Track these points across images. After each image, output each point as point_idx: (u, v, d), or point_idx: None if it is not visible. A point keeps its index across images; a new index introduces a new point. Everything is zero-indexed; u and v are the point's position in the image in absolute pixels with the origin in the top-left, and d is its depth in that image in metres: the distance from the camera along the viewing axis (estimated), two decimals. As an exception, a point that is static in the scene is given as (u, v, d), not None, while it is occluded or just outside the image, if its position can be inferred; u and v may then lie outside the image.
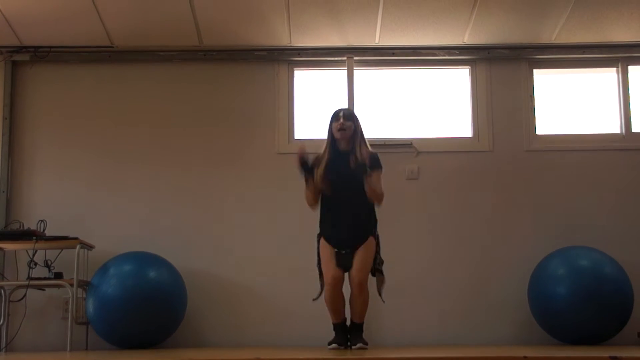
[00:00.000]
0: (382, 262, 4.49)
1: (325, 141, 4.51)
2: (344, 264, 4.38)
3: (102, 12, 5.24)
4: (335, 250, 4.38)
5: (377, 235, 4.49)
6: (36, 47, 5.59)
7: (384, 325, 5.24)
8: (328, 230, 4.44)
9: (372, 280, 4.45)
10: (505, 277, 5.38)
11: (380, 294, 4.50)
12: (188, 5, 5.20)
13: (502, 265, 5.41)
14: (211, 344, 5.31)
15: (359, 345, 4.33)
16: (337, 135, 4.43)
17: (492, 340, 5.28)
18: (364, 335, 4.45)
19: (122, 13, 5.25)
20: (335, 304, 4.40)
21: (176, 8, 5.21)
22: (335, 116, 4.48)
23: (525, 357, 3.25)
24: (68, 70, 5.67)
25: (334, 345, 4.37)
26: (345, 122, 4.41)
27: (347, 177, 4.37)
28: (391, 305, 5.26)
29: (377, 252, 4.47)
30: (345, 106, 4.48)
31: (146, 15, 5.27)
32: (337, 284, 4.36)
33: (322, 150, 4.50)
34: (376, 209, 4.48)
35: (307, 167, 4.38)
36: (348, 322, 4.51)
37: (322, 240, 4.45)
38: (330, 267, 4.37)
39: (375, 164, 4.37)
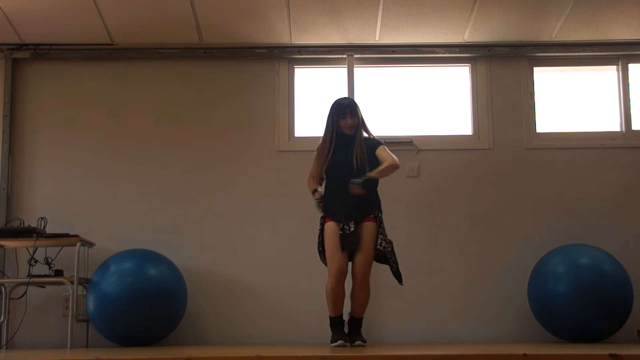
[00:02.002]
0: (390, 242, 4.52)
1: (327, 127, 4.59)
2: (348, 244, 4.38)
3: (103, 9, 5.24)
4: (340, 232, 4.38)
5: (381, 217, 4.51)
6: (36, 45, 5.59)
7: (385, 323, 5.24)
8: (333, 207, 4.46)
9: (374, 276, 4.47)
10: (505, 275, 5.39)
11: (399, 279, 4.53)
12: (188, 2, 5.20)
13: (502, 262, 5.42)
14: (211, 341, 5.31)
15: (358, 342, 4.34)
16: (346, 131, 4.54)
17: (492, 337, 5.29)
18: (362, 332, 4.46)
19: (122, 10, 5.25)
20: (337, 296, 4.41)
21: (176, 5, 5.21)
22: (342, 112, 4.54)
23: (525, 354, 3.25)
24: (68, 67, 5.67)
25: (340, 342, 4.34)
26: (352, 120, 4.53)
27: (351, 158, 4.47)
28: (391, 302, 5.28)
29: (383, 234, 4.48)
30: (346, 95, 4.63)
31: (146, 12, 5.27)
32: (342, 276, 4.38)
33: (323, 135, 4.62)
34: (378, 190, 4.55)
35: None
36: (345, 317, 4.52)
37: (328, 223, 4.45)
38: (335, 258, 4.38)
39: (375, 144, 4.55)
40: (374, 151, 4.53)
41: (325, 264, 4.52)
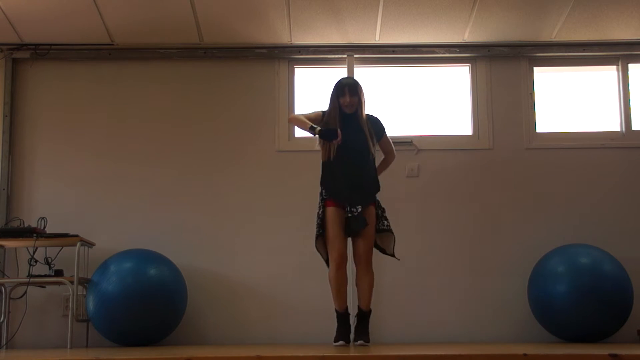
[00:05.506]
0: (388, 222, 4.61)
1: (330, 105, 4.61)
2: (357, 226, 4.38)
3: (103, 9, 5.24)
4: (349, 215, 4.37)
5: (378, 200, 4.58)
6: (36, 45, 5.59)
7: (385, 323, 5.24)
8: (338, 189, 4.44)
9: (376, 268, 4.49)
10: (505, 275, 5.39)
11: (393, 254, 4.59)
12: (188, 2, 5.20)
13: (502, 263, 5.42)
14: (211, 341, 5.32)
15: (360, 342, 4.33)
16: (346, 110, 4.56)
17: (492, 337, 5.29)
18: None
19: (122, 10, 5.25)
20: (340, 283, 4.41)
21: (176, 6, 5.22)
22: (341, 91, 4.57)
23: (525, 354, 3.24)
24: (68, 67, 5.67)
25: (340, 342, 4.35)
26: (351, 98, 4.54)
27: (357, 138, 4.50)
28: (391, 302, 5.29)
29: (382, 215, 4.55)
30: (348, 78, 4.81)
31: (146, 12, 5.27)
32: (343, 262, 4.39)
33: (323, 111, 4.64)
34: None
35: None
36: (351, 314, 4.52)
37: (331, 209, 4.43)
38: (336, 245, 4.39)
39: (383, 130, 4.68)
40: (376, 134, 4.63)
41: (319, 251, 4.52)
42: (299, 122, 4.51)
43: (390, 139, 4.75)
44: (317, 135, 4.40)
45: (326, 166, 4.54)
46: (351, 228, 4.40)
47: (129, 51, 5.64)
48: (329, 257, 4.44)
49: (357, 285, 4.49)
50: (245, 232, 5.48)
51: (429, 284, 5.41)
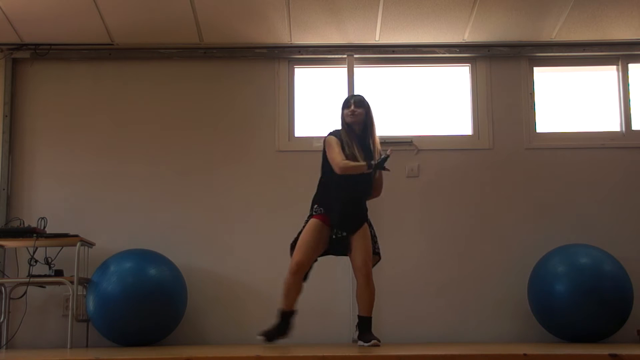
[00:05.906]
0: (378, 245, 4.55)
1: (341, 128, 4.52)
2: (337, 249, 4.38)
3: (103, 9, 5.24)
4: (333, 237, 4.35)
5: (369, 220, 4.51)
6: (36, 45, 5.59)
7: (384, 323, 5.23)
8: (333, 209, 4.39)
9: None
10: (505, 275, 5.39)
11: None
12: (188, 2, 5.20)
13: (502, 262, 5.42)
14: (211, 341, 5.32)
15: (373, 342, 4.27)
16: (348, 120, 4.48)
17: (492, 337, 5.29)
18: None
19: (122, 10, 5.25)
20: (292, 290, 4.38)
21: (176, 6, 5.22)
22: (346, 103, 4.53)
23: (525, 354, 3.25)
24: (68, 67, 5.67)
25: (271, 341, 4.36)
26: (356, 109, 4.47)
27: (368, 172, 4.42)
28: (391, 302, 5.28)
29: (374, 235, 4.51)
30: (347, 95, 4.64)
31: (146, 12, 5.27)
32: (299, 270, 4.33)
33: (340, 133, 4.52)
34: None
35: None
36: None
37: (316, 220, 4.39)
38: (301, 251, 4.33)
39: (385, 167, 4.46)
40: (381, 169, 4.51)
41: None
42: (355, 168, 4.35)
43: (383, 176, 4.61)
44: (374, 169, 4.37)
45: (324, 187, 4.50)
46: (334, 249, 4.39)
47: (129, 51, 5.64)
48: (291, 259, 4.38)
49: (357, 297, 4.43)
50: (245, 232, 5.48)
51: (429, 284, 5.40)
